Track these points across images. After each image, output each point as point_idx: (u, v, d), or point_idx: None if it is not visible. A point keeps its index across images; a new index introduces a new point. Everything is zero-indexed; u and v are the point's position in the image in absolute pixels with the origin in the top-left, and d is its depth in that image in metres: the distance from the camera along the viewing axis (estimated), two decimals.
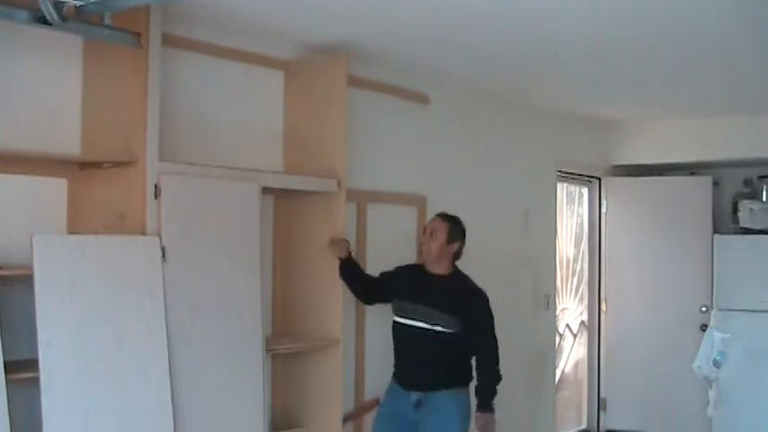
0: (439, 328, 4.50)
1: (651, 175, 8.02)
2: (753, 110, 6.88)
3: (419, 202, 5.61)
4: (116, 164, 3.71)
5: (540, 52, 5.00)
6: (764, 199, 7.34)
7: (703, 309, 7.49)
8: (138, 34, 3.60)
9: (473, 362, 4.67)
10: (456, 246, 4.66)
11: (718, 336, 6.49)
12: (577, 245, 8.15)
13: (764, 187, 7.39)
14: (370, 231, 5.13)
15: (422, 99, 5.69)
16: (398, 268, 4.80)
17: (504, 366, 4.55)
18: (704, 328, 7.01)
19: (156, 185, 3.67)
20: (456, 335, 4.52)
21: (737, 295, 7.16)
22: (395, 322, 4.66)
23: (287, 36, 4.63)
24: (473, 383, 4.63)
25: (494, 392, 4.54)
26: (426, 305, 4.53)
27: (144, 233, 3.64)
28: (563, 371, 7.92)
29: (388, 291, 4.73)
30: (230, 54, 4.46)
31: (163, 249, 3.65)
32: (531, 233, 6.89)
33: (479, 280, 4.65)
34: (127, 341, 3.50)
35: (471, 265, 4.74)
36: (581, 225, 8.18)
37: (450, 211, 4.71)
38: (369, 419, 5.05)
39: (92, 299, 3.42)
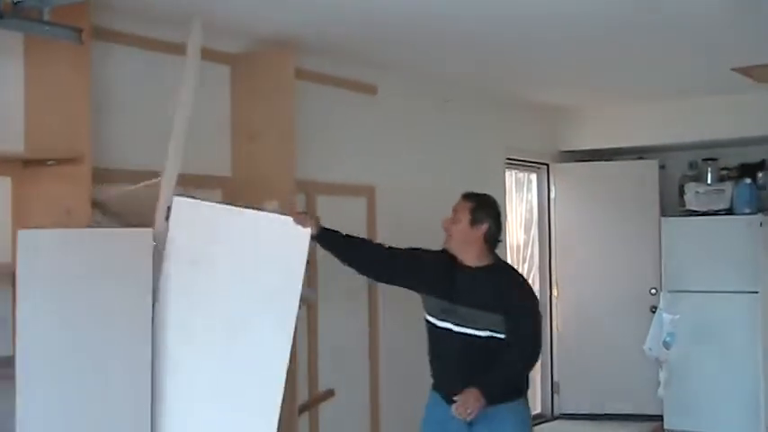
0: (488, 333, 3.84)
1: (599, 159, 8.11)
2: (697, 93, 6.99)
3: (368, 192, 5.62)
4: (61, 161, 3.68)
5: (487, 40, 5.04)
6: (709, 181, 7.45)
7: (652, 291, 7.59)
8: (80, 30, 3.54)
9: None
10: (484, 228, 3.94)
11: (667, 317, 6.61)
12: (527, 231, 8.21)
13: (709, 170, 7.49)
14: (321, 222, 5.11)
15: (369, 89, 5.69)
16: (430, 254, 4.08)
17: None
18: (654, 309, 7.10)
19: None
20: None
21: (685, 277, 7.30)
22: (431, 324, 3.99)
23: (232, 30, 4.61)
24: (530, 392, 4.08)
25: (500, 386, 3.82)
26: (469, 306, 3.87)
27: (90, 227, 3.62)
28: None
29: (419, 279, 4.05)
30: (175, 49, 4.40)
31: None
32: None
33: None
34: (109, 336, 3.41)
35: None
36: (530, 211, 8.24)
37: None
38: (323, 410, 5.08)
39: (75, 294, 3.34)
